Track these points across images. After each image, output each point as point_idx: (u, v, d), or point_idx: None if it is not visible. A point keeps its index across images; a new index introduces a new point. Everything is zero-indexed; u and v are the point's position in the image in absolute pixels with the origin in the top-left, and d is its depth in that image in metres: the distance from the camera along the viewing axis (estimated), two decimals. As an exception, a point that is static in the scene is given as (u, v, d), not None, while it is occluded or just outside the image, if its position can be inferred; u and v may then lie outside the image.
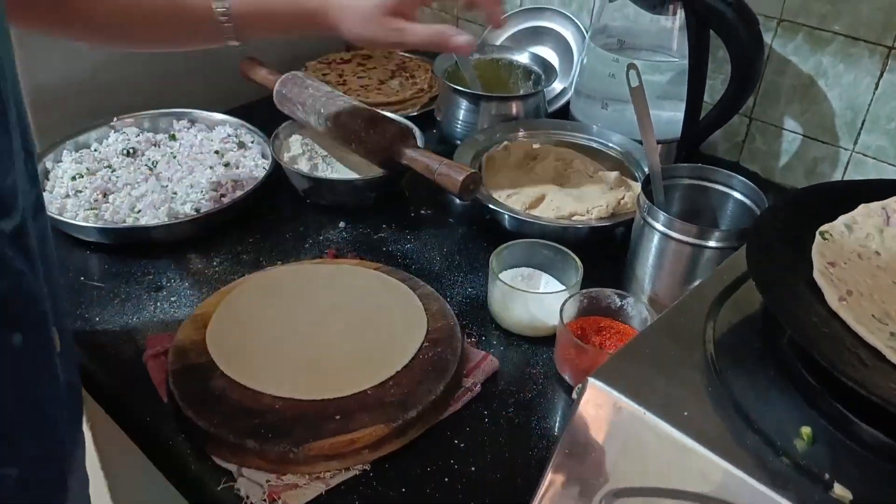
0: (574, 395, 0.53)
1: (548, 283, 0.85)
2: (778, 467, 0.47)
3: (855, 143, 1.01)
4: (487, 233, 0.96)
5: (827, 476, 0.46)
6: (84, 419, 0.61)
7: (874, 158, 1.00)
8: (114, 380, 0.75)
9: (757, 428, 0.49)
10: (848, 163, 1.03)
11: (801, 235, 0.59)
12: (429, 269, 0.91)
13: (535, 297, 0.80)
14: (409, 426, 0.68)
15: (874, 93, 0.97)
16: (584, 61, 1.09)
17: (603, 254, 0.89)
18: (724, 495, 0.47)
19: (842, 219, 0.60)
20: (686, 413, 0.50)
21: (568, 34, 1.23)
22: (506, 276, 0.84)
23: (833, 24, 0.97)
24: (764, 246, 0.57)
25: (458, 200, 1.00)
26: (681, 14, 1.01)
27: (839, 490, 0.45)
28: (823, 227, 0.59)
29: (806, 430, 0.49)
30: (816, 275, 0.54)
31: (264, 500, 0.63)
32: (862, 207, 0.61)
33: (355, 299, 0.80)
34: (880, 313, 0.52)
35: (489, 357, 0.77)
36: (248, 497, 0.63)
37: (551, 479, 0.54)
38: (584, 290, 0.78)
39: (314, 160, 1.05)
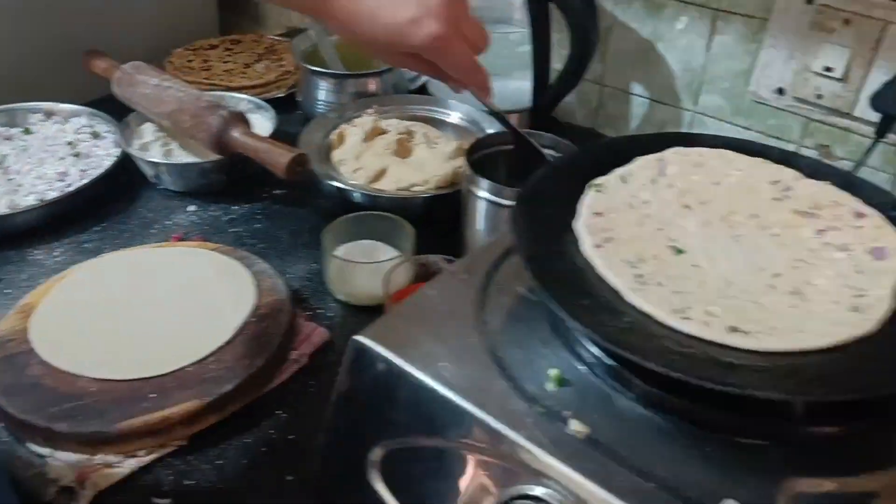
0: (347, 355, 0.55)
1: (388, 254, 0.86)
2: (521, 409, 0.49)
3: (696, 103, 1.04)
4: (337, 209, 0.96)
5: (566, 413, 0.48)
6: None
7: (713, 117, 1.03)
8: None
9: (509, 374, 0.51)
10: (692, 123, 1.06)
11: (577, 190, 0.61)
12: (276, 247, 0.92)
13: (368, 268, 0.81)
14: (227, 401, 0.69)
15: (707, 54, 1.00)
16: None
17: (447, 222, 0.90)
18: (475, 439, 0.49)
19: (618, 171, 0.62)
20: (444, 364, 0.51)
21: (430, 10, 1.23)
22: (346, 248, 0.85)
23: (665, -12, 1.00)
24: (535, 201, 0.59)
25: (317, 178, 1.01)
26: (520, -12, 1.02)
27: (575, 426, 0.47)
28: (597, 181, 0.61)
29: (554, 373, 0.51)
30: (576, 224, 0.56)
31: (73, 482, 0.63)
32: (640, 160, 0.63)
33: (186, 280, 0.81)
34: (635, 258, 0.54)
35: (319, 329, 0.78)
36: (58, 479, 0.63)
37: (328, 434, 0.55)
38: (414, 258, 0.80)
39: (168, 146, 1.04)
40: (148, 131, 1.05)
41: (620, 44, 1.07)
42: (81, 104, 1.13)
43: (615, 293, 0.51)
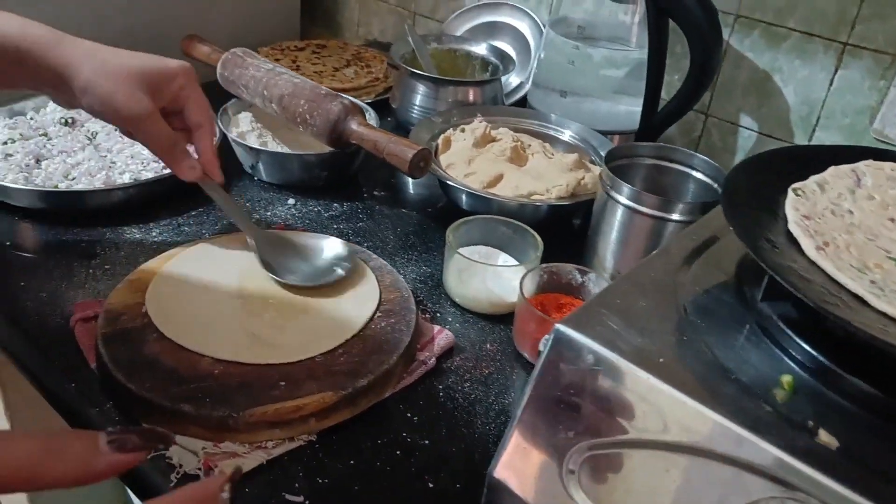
0: (540, 348, 0.50)
1: (506, 262, 0.82)
2: (760, 414, 0.44)
3: (810, 139, 1.01)
4: (443, 214, 0.93)
5: (811, 423, 0.44)
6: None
7: (828, 154, 1.00)
8: (36, 345, 0.68)
9: (735, 378, 0.47)
10: (802, 159, 1.03)
11: (771, 194, 0.57)
12: (382, 247, 0.87)
13: (494, 272, 0.77)
14: (360, 396, 0.64)
15: (829, 88, 0.97)
16: (542, 54, 1.07)
17: (561, 234, 0.87)
18: (706, 444, 0.44)
19: (813, 178, 0.59)
20: (662, 360, 0.47)
21: (525, 29, 1.21)
22: (464, 252, 0.81)
23: (788, 19, 0.97)
24: (737, 201, 0.55)
25: (411, 181, 0.98)
26: (640, 6, 1.00)
27: (825, 437, 0.43)
28: (796, 185, 0.57)
29: (787, 379, 0.46)
30: (792, 226, 0.53)
31: (199, 469, 0.58)
32: (832, 169, 0.60)
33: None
34: (859, 264, 0.50)
35: (444, 331, 0.73)
36: (180, 465, 0.58)
37: (517, 439, 0.50)
38: (544, 265, 0.76)
39: (264, 138, 1.00)
40: (245, 121, 1.01)
41: (733, 72, 1.05)
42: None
43: (855, 298, 0.47)
